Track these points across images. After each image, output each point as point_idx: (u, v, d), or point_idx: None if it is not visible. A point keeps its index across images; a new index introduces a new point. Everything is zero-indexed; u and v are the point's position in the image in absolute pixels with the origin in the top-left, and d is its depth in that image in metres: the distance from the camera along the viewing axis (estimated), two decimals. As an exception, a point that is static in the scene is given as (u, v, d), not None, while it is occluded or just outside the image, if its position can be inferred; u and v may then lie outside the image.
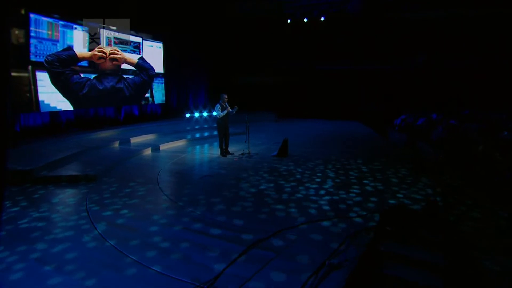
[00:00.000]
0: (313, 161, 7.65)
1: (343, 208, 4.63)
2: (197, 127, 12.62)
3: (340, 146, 9.72)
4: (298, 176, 6.33)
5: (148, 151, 8.84)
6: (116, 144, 9.10)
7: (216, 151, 8.67)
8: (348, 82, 18.01)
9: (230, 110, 8.09)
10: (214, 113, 8.08)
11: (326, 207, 4.69)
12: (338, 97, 18.02)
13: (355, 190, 5.47)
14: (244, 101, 17.58)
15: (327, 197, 5.12)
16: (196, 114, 14.26)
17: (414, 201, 4.99)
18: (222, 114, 7.98)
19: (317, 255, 3.30)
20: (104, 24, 10.28)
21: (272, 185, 5.79)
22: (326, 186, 5.70)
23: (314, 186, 5.71)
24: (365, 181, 6.00)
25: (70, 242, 3.68)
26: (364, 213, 4.47)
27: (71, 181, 6.00)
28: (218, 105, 8.02)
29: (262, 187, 5.67)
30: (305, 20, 16.90)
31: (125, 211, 4.60)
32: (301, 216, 4.35)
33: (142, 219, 4.32)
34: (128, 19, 10.53)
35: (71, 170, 6.44)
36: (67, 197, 5.26)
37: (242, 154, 8.30)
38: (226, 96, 8.11)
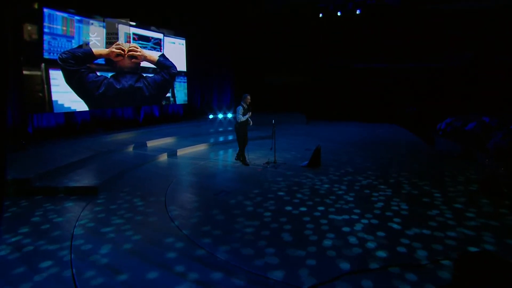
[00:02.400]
0: (352, 174, 6.42)
1: (400, 251, 3.42)
2: (220, 129, 11.72)
3: (382, 155, 8.36)
4: (334, 197, 5.16)
5: (163, 157, 8.02)
6: (130, 148, 8.36)
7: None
8: (386, 81, 16.41)
9: (249, 119, 7.17)
10: (237, 115, 7.03)
11: (378, 252, 3.51)
12: (375, 98, 16.45)
13: (408, 221, 4.23)
14: (272, 101, 16.61)
15: (372, 230, 3.93)
16: (220, 116, 13.37)
17: (498, 241, 3.68)
18: (243, 118, 6.97)
19: None
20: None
21: (301, 207, 4.67)
22: (367, 213, 4.50)
23: (356, 211, 4.52)
24: (422, 208, 4.71)
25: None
26: (427, 257, 3.25)
27: (69, 193, 5.23)
28: (240, 107, 6.98)
29: (287, 209, 4.58)
30: (339, 14, 15.49)
31: (118, 237, 3.71)
32: (342, 259, 3.21)
33: (133, 254, 3.38)
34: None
35: (72, 180, 5.67)
36: (58, 214, 4.44)
37: (267, 163, 7.23)
38: (249, 97, 7.12)
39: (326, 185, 5.70)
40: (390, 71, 16.39)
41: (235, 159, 7.54)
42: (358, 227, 3.98)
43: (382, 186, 5.64)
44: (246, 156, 7.30)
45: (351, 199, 5.01)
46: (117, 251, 3.45)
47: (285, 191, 5.41)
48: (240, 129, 7.11)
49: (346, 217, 4.31)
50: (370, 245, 3.52)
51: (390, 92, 16.31)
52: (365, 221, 4.17)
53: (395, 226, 4.01)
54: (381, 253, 3.34)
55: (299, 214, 4.40)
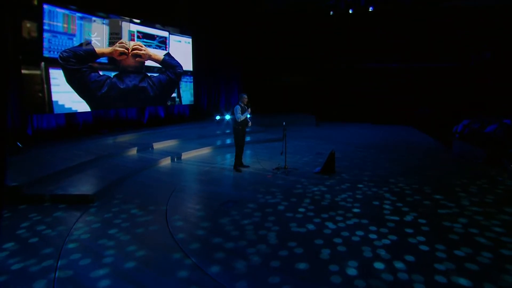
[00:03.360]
0: (369, 182, 5.91)
1: (437, 280, 2.91)
2: (227, 131, 11.27)
3: (399, 160, 7.81)
4: (353, 210, 4.67)
5: (167, 161, 7.61)
6: (133, 151, 7.97)
7: (246, 162, 7.21)
8: (400, 81, 15.76)
9: (249, 116, 6.76)
10: (235, 115, 6.62)
11: (416, 284, 3.02)
12: (388, 99, 15.82)
13: (433, 238, 3.72)
14: (281, 102, 16.13)
15: (397, 252, 3.42)
16: (227, 117, 12.90)
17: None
18: (242, 117, 6.55)
19: None
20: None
21: (311, 225, 4.19)
22: (384, 230, 3.99)
23: (373, 229, 3.98)
24: (447, 223, 4.16)
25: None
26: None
27: (61, 202, 4.84)
28: (237, 107, 6.58)
29: (296, 227, 4.10)
30: (350, 11, 14.89)
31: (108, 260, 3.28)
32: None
33: (132, 276, 2.95)
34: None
35: (68, 187, 5.28)
36: (48, 226, 4.04)
37: (277, 168, 6.76)
38: (246, 97, 6.74)
39: (342, 193, 5.21)
40: (405, 71, 15.75)
41: (234, 169, 6.98)
42: (381, 249, 3.48)
43: (398, 199, 5.13)
44: (243, 162, 7.03)
45: (358, 210, 4.52)
46: (114, 271, 3.02)
47: (284, 204, 4.94)
48: (238, 130, 6.70)
49: (361, 233, 3.83)
50: (404, 275, 3.01)
51: (405, 93, 15.68)
52: (387, 241, 3.67)
53: (422, 247, 3.50)
54: (419, 286, 2.83)
55: (308, 232, 3.93)
